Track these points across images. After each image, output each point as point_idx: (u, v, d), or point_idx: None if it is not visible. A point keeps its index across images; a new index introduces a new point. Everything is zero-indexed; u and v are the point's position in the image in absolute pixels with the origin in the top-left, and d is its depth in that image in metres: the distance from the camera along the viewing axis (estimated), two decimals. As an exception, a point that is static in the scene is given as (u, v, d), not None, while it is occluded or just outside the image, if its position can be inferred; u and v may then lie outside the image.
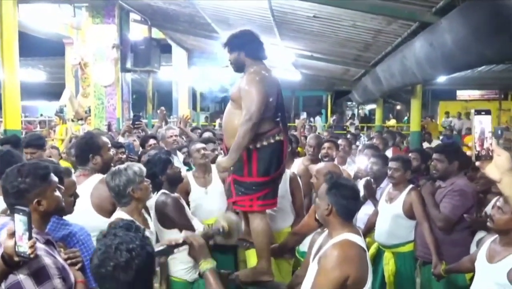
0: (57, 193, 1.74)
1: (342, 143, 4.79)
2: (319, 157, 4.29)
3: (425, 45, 4.61)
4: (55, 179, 1.75)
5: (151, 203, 2.87)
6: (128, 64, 8.34)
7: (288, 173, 3.48)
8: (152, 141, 4.72)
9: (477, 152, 1.36)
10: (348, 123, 17.24)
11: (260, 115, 2.56)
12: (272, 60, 10.50)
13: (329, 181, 2.15)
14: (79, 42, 9.52)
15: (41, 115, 18.19)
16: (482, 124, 1.36)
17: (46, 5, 9.29)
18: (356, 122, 18.01)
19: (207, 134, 5.11)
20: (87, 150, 2.85)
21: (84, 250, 1.98)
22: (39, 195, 1.66)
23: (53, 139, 9.89)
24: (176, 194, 3.09)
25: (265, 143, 2.66)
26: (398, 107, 25.16)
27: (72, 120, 9.88)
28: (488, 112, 1.39)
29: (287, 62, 10.18)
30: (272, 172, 2.73)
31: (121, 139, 5.06)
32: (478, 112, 1.38)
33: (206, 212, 3.52)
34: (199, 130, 6.13)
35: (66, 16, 9.69)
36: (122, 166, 2.54)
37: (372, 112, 23.16)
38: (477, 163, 1.39)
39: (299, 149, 5.57)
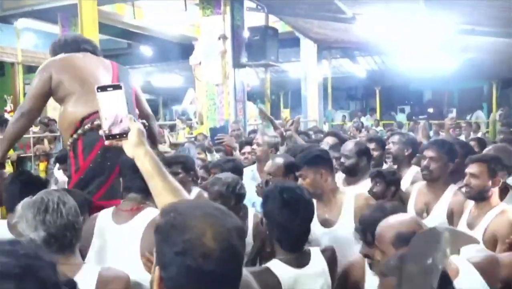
0: None
1: None
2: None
3: None
4: None
5: None
6: (243, 59, 7.40)
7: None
8: (247, 149, 4.10)
9: (107, 131, 1.27)
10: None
11: (31, 102, 2.47)
12: (414, 42, 8.49)
13: None
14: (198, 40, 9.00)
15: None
16: (111, 101, 1.26)
17: (171, 9, 9.06)
18: (536, 116, 14.22)
19: (330, 140, 3.77)
20: None
21: None
22: None
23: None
24: None
25: (87, 127, 2.37)
26: None
27: (196, 123, 9.49)
28: (117, 87, 1.29)
29: (435, 44, 8.08)
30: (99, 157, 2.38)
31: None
32: (103, 88, 1.27)
33: None
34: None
35: (188, 16, 9.35)
36: None
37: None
38: (106, 142, 1.30)
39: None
